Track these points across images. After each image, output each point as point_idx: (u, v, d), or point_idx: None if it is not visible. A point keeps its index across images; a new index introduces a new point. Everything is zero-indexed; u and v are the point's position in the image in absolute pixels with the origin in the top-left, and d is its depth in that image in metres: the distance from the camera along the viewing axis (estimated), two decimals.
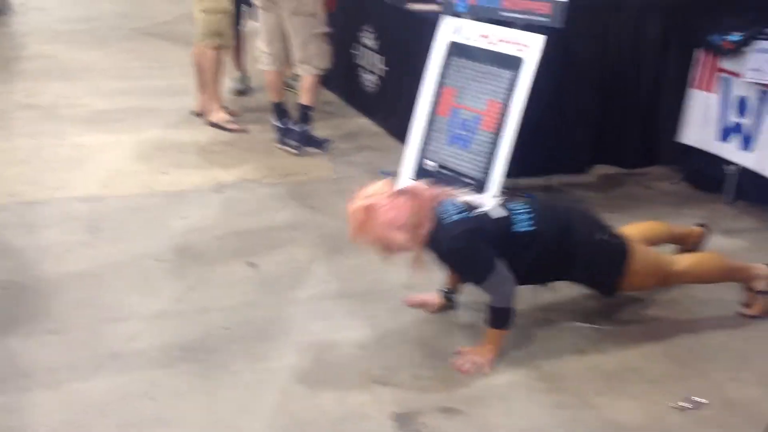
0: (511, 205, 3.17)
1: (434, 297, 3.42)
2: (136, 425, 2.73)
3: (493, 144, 4.08)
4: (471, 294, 3.38)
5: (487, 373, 3.00)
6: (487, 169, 4.09)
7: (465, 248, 3.00)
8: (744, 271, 3.37)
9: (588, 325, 3.31)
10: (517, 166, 4.11)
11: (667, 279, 3.32)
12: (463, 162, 4.21)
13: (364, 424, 2.73)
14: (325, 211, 4.48)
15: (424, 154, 4.41)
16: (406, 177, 4.46)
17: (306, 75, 5.34)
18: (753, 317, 3.34)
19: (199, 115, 6.10)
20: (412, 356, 3.11)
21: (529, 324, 3.30)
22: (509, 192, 4.12)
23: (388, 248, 3.02)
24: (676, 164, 4.97)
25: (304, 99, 5.38)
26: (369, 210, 2.94)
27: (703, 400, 2.82)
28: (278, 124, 5.49)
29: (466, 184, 4.14)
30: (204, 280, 3.70)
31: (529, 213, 3.11)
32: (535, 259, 3.07)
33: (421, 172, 4.39)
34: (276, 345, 3.19)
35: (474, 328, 3.24)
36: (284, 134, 5.46)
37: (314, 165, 5.24)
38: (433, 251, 3.05)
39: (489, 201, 3.13)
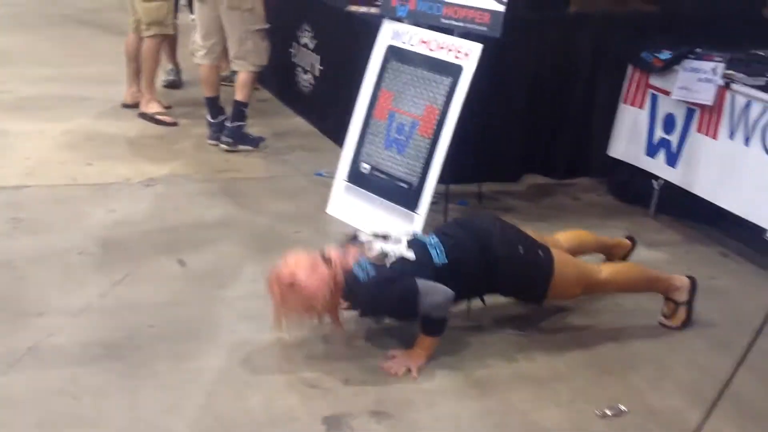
0: (423, 240, 3.19)
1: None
2: (55, 423, 2.64)
3: (429, 149, 4.10)
4: None
5: (416, 377, 3.00)
6: (421, 174, 4.10)
7: (383, 299, 3.02)
8: (666, 282, 3.46)
9: (517, 332, 3.34)
10: (451, 173, 4.14)
11: (592, 288, 3.39)
12: (399, 166, 4.21)
13: (292, 427, 2.70)
14: (257, 210, 4.43)
15: (359, 156, 4.39)
16: (340, 179, 4.44)
17: (241, 71, 5.27)
18: (674, 328, 3.43)
19: (130, 106, 5.97)
20: (342, 358, 3.10)
21: (460, 330, 3.31)
22: (442, 198, 4.14)
23: (308, 316, 3.07)
24: (604, 176, 5.08)
25: (239, 95, 5.30)
26: (292, 285, 2.95)
27: (625, 408, 2.88)
28: (211, 119, 5.40)
29: (399, 188, 4.16)
30: (130, 276, 3.61)
31: (441, 243, 3.14)
32: (461, 285, 3.10)
33: (356, 175, 4.38)
34: (203, 345, 3.14)
35: (405, 332, 3.24)
36: (217, 130, 5.38)
37: (247, 163, 5.17)
38: (358, 309, 3.12)
39: (400, 244, 3.15)
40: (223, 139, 5.32)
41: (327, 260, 3.01)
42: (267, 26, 5.23)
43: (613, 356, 3.24)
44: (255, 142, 5.38)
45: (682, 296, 3.45)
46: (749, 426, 2.80)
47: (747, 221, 3.94)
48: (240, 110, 5.31)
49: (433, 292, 3.00)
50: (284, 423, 2.72)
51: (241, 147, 5.32)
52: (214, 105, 5.40)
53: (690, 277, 3.47)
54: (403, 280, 3.01)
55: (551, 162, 5.22)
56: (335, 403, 2.83)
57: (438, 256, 3.11)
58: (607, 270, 3.41)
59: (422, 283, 2.99)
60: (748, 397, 2.89)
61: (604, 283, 3.37)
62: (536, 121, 5.07)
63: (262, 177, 4.97)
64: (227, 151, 5.28)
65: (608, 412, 2.85)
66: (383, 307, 3.09)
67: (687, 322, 3.44)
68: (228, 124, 5.34)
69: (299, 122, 6.07)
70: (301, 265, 2.99)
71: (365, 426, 2.72)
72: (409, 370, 3.02)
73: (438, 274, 3.07)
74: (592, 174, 5.19)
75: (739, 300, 3.69)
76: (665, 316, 3.47)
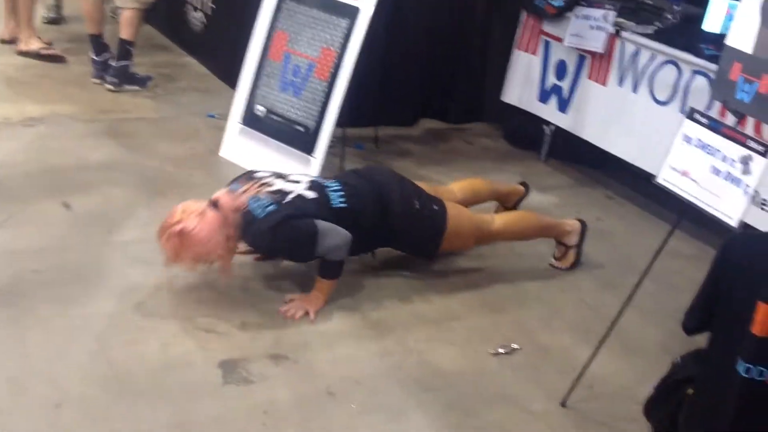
0: (324, 183, 3.16)
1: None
2: None
3: (326, 92, 4.04)
4: None
5: (314, 320, 2.99)
6: (318, 118, 4.04)
7: (282, 237, 2.96)
8: (557, 227, 3.56)
9: (412, 274, 3.37)
10: (348, 116, 4.09)
11: (485, 238, 3.44)
12: (295, 109, 4.14)
13: (187, 372, 2.65)
14: (146, 153, 4.28)
15: (254, 99, 4.29)
16: (234, 120, 4.33)
17: (126, 8, 5.03)
18: (564, 269, 3.54)
19: (8, 42, 5.62)
20: (238, 303, 3.05)
21: (357, 274, 3.32)
22: (339, 142, 4.10)
23: (205, 263, 3.00)
24: (498, 122, 5.15)
25: (124, 33, 5.06)
26: (181, 235, 2.87)
27: (517, 346, 2.96)
28: (95, 57, 5.15)
29: (296, 131, 4.10)
30: (12, 220, 3.43)
31: (341, 190, 3.12)
32: (356, 235, 3.08)
33: (251, 118, 4.28)
34: (92, 290, 3.03)
35: (302, 275, 3.22)
36: (101, 69, 5.14)
37: (135, 103, 4.98)
38: (256, 248, 3.08)
39: (299, 183, 3.11)
40: (108, 78, 5.09)
41: (215, 204, 2.94)
42: None
43: (506, 297, 3.32)
44: (142, 81, 5.17)
45: (572, 239, 3.55)
46: (633, 360, 2.93)
47: (633, 166, 4.08)
48: (125, 49, 5.07)
49: (332, 233, 2.99)
50: (179, 368, 2.67)
51: (127, 87, 5.11)
52: (97, 42, 5.14)
53: (579, 221, 3.58)
54: (301, 219, 2.97)
55: (447, 107, 5.26)
56: (231, 347, 2.80)
57: (337, 199, 3.09)
58: (499, 220, 3.46)
59: (321, 224, 2.97)
60: (633, 333, 3.02)
61: (497, 234, 3.43)
62: (433, 66, 5.07)
63: (151, 118, 4.79)
64: (112, 91, 5.06)
65: (501, 351, 2.93)
66: (281, 245, 3.04)
67: (576, 264, 3.55)
68: (113, 63, 5.10)
69: (190, 62, 5.87)
70: (188, 213, 2.90)
71: (262, 369, 2.70)
72: (306, 314, 3.01)
73: (336, 217, 3.05)
74: (487, 119, 5.26)
75: (625, 242, 3.85)
76: (556, 258, 3.57)
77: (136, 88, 5.13)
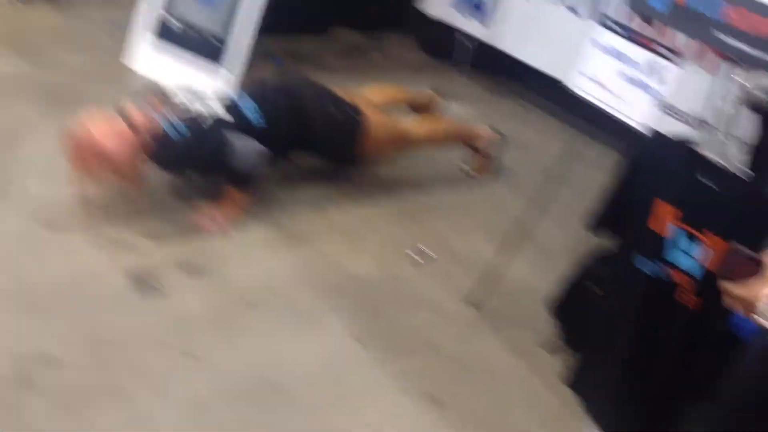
0: (239, 102, 3.08)
1: None
2: None
3: (237, 1, 3.90)
4: None
5: (227, 231, 2.96)
6: (230, 28, 3.92)
7: (197, 158, 2.92)
8: (472, 134, 3.58)
9: (329, 184, 3.35)
10: (261, 26, 3.97)
11: (404, 145, 3.44)
12: (206, 19, 3.99)
13: (95, 285, 2.60)
14: (50, 65, 4.09)
15: (165, 8, 4.11)
16: (141, 31, 4.16)
17: None
18: (476, 176, 3.57)
19: None
20: (148, 214, 2.99)
21: (273, 183, 3.28)
22: (258, 56, 3.99)
23: (114, 181, 2.92)
24: (415, 32, 5.09)
25: None
26: (92, 151, 2.77)
27: (432, 253, 3.00)
28: None
29: (210, 44, 3.97)
30: None
31: (258, 109, 3.06)
32: (277, 148, 3.05)
33: (161, 28, 4.11)
34: None
35: (216, 186, 3.16)
36: None
37: (38, 15, 4.72)
38: (167, 168, 2.99)
39: (214, 104, 3.03)
40: None
41: (130, 123, 2.84)
42: None
43: (422, 205, 3.34)
44: None
45: (487, 148, 3.58)
46: (544, 262, 3.00)
47: (547, 75, 4.10)
48: None
49: (246, 148, 2.93)
50: (87, 281, 2.61)
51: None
52: None
53: (494, 129, 3.60)
54: (217, 138, 2.92)
55: (363, 16, 5.15)
56: (141, 258, 2.75)
57: (254, 119, 3.03)
58: (417, 128, 3.45)
59: (237, 144, 2.92)
60: (543, 236, 3.07)
61: (416, 141, 3.42)
62: None
63: (54, 29, 4.56)
64: (17, 1, 4.77)
65: (417, 256, 2.96)
66: (195, 165, 2.99)
67: (490, 171, 3.59)
68: None
69: None
70: (102, 130, 2.81)
71: (174, 280, 2.67)
72: (221, 226, 2.97)
73: (254, 136, 2.99)
74: (404, 29, 5.18)
75: (538, 149, 3.90)
76: (471, 167, 3.60)
77: None
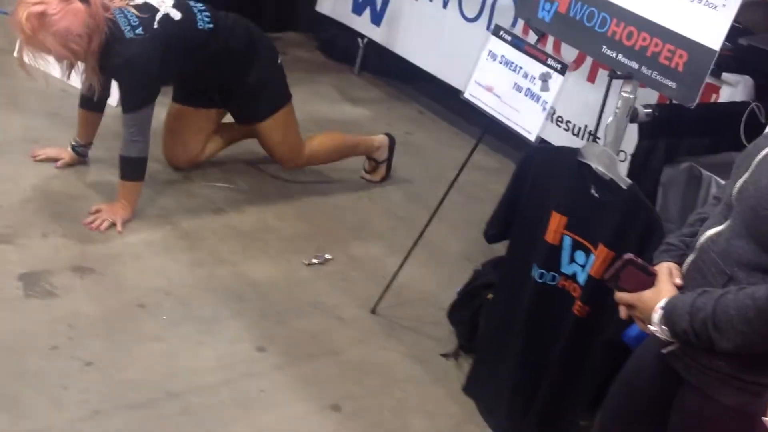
0: (190, 2, 3.03)
1: (64, 152, 3.19)
2: None
3: None
4: (105, 150, 3.22)
5: (121, 231, 2.90)
6: None
7: (140, 69, 2.83)
8: (366, 143, 3.59)
9: (225, 185, 3.33)
10: None
11: (300, 159, 3.38)
12: None
13: None
14: None
15: None
16: None
17: None
18: (375, 182, 3.62)
19: None
20: (40, 214, 2.89)
21: (166, 182, 3.24)
22: None
23: (59, 58, 2.79)
24: (313, 32, 5.10)
25: None
26: (41, 17, 2.65)
27: (330, 257, 3.03)
28: None
29: None
30: None
31: (207, 11, 3.02)
32: (211, 58, 3.00)
33: None
34: None
35: (108, 186, 3.08)
36: None
37: None
38: (104, 65, 2.84)
39: (165, 1, 2.95)
40: None
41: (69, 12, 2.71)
42: None
43: (319, 209, 3.36)
44: None
45: (382, 155, 3.62)
46: (439, 268, 3.07)
47: (442, 81, 4.19)
48: None
49: (144, 127, 2.89)
50: None
51: None
52: None
53: (388, 135, 3.65)
54: (154, 81, 2.90)
55: (259, 14, 5.10)
56: (33, 259, 2.66)
57: (202, 21, 2.98)
58: (311, 144, 3.41)
59: (150, 113, 2.90)
60: (438, 243, 3.14)
61: (311, 156, 3.40)
62: None
63: None
64: None
65: (315, 261, 2.99)
66: (124, 75, 2.86)
67: (386, 177, 3.65)
68: None
69: None
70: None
71: (67, 282, 2.60)
72: (113, 224, 2.91)
73: (201, 39, 2.97)
74: (301, 29, 5.18)
75: (434, 155, 3.97)
76: (367, 172, 3.64)
77: None
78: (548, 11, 2.58)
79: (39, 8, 2.65)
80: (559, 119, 3.62)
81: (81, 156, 3.22)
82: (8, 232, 2.76)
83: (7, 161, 3.15)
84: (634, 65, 2.22)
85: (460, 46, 4.04)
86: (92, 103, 3.08)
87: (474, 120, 2.85)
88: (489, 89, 2.71)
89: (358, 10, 4.65)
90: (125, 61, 2.81)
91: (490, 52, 2.70)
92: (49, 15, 2.66)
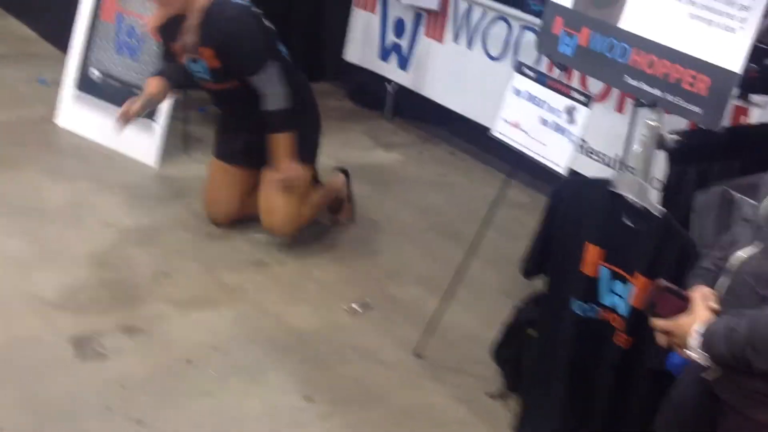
0: None
1: (153, 85, 3.16)
2: None
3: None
4: (147, 214, 3.30)
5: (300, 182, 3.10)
6: None
7: (251, 26, 2.97)
8: (330, 190, 3.53)
9: (264, 235, 3.38)
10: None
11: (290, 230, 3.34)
12: (132, 72, 4.01)
13: (37, 350, 2.58)
14: None
15: (88, 62, 4.11)
16: (68, 86, 4.14)
17: None
18: (343, 221, 3.57)
19: None
20: (88, 278, 2.97)
21: (207, 237, 3.31)
22: (181, 105, 4.01)
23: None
24: (341, 81, 5.19)
25: None
26: None
27: (370, 301, 3.05)
28: None
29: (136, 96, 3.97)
30: None
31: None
32: (275, 77, 3.07)
33: (86, 82, 4.11)
34: None
35: (152, 251, 3.16)
36: None
37: None
38: (208, 31, 2.95)
39: None
40: None
41: None
42: None
43: (357, 253, 3.40)
44: None
45: (343, 193, 3.59)
46: (479, 306, 3.08)
47: (472, 121, 4.23)
48: None
49: (279, 77, 3.02)
50: (28, 346, 2.59)
51: None
52: None
53: (341, 171, 3.62)
54: (265, 38, 3.05)
55: None
56: (83, 322, 2.73)
57: (281, 46, 3.19)
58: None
59: (273, 64, 3.02)
60: (477, 281, 3.16)
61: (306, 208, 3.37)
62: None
63: None
64: None
65: (355, 306, 3.01)
66: (236, 36, 2.96)
67: (353, 211, 3.62)
68: None
69: (12, 23, 5.51)
70: None
71: (117, 342, 2.66)
72: (295, 179, 3.10)
73: (275, 51, 3.13)
74: (330, 78, 5.27)
75: (467, 194, 4.00)
76: (334, 214, 3.57)
77: None
78: (569, 45, 2.62)
79: None
80: (590, 150, 3.63)
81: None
82: (58, 297, 2.84)
83: (53, 228, 3.25)
84: (658, 93, 2.24)
85: (487, 85, 4.08)
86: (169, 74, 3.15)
87: (505, 156, 2.86)
88: (516, 125, 2.74)
89: (384, 56, 4.73)
90: (234, 17, 2.95)
91: (515, 88, 2.74)
92: None
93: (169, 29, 3.03)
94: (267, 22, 3.14)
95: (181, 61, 3.11)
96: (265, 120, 3.06)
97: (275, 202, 3.24)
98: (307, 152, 3.30)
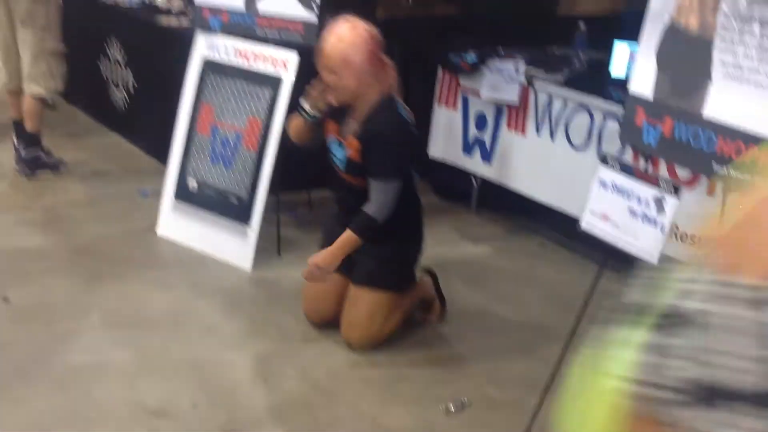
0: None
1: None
2: None
3: (256, 162, 4.10)
4: (244, 319, 3.38)
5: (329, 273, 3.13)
6: (251, 188, 4.10)
7: (402, 141, 3.13)
8: (418, 297, 3.51)
9: None
10: (280, 183, 4.16)
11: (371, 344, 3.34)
12: (227, 180, 4.19)
13: None
14: (81, 237, 4.26)
15: (185, 173, 4.32)
16: (167, 196, 4.35)
17: (31, 96, 4.90)
18: (437, 320, 3.56)
19: None
20: (188, 385, 3.05)
21: (302, 341, 3.36)
22: (273, 210, 4.15)
23: (344, 79, 3.05)
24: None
25: (29, 126, 4.94)
26: (367, 33, 3.03)
27: (467, 401, 3.03)
28: (18, 145, 5.08)
29: (231, 203, 4.14)
30: None
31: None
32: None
33: (184, 191, 4.31)
34: (35, 382, 2.99)
35: (247, 349, 3.23)
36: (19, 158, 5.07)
37: (63, 188, 4.93)
38: (367, 125, 3.09)
39: None
40: (19, 168, 4.99)
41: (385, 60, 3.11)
42: (63, 48, 4.99)
43: (451, 351, 3.39)
44: (54, 166, 5.06)
45: (431, 294, 3.58)
46: None
47: (560, 212, 4.21)
48: (32, 137, 4.97)
49: (395, 197, 3.11)
50: None
51: (39, 173, 5.01)
52: (20, 129, 5.08)
53: (428, 271, 3.61)
54: (408, 158, 3.22)
55: None
56: (185, 429, 2.80)
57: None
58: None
59: (400, 184, 3.12)
60: None
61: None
62: None
63: (81, 201, 4.76)
64: (28, 178, 4.98)
65: (452, 407, 2.99)
66: (384, 140, 3.09)
67: (444, 311, 3.59)
68: (23, 151, 4.99)
69: (116, 140, 5.85)
70: (368, 30, 3.07)
71: None
72: (324, 273, 3.14)
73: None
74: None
75: (559, 286, 3.96)
76: (424, 312, 3.57)
77: (50, 173, 5.05)
78: (653, 136, 2.63)
79: (369, 29, 3.05)
80: (684, 236, 3.57)
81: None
82: (160, 404, 2.92)
83: (156, 336, 3.36)
84: (748, 178, 2.22)
85: (572, 175, 4.09)
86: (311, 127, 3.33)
87: (597, 245, 2.84)
88: (605, 217, 2.74)
89: (468, 151, 4.81)
90: (394, 126, 3.11)
91: (601, 180, 2.75)
92: (373, 37, 3.04)
93: (332, 107, 3.22)
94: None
95: (325, 136, 3.28)
96: (356, 216, 3.13)
97: (358, 317, 3.28)
98: (406, 272, 3.36)
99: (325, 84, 3.13)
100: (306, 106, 3.28)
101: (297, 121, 3.37)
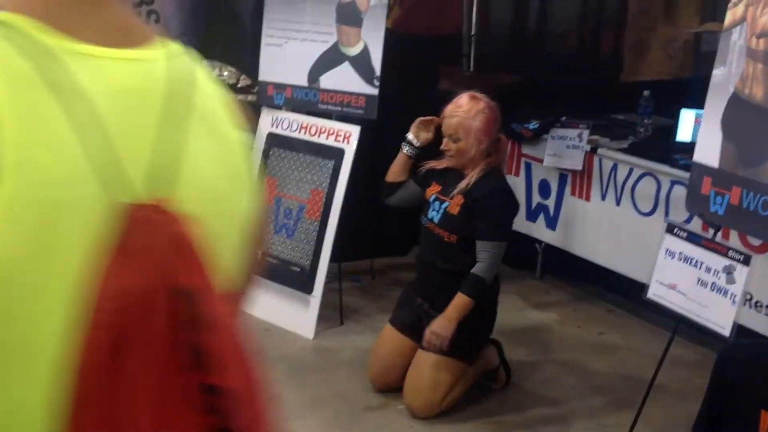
0: None
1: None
2: None
3: (318, 231, 4.14)
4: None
5: (446, 348, 3.10)
6: (313, 257, 4.13)
7: (510, 205, 3.31)
8: (482, 367, 3.47)
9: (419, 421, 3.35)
10: (342, 251, 4.18)
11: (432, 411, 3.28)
12: (289, 250, 4.23)
13: None
14: None
15: None
16: None
17: None
18: (502, 386, 3.52)
19: None
20: None
21: (364, 409, 3.33)
22: (336, 278, 4.17)
23: (464, 145, 3.26)
24: None
25: None
26: (490, 107, 3.31)
27: None
28: None
29: (293, 272, 4.17)
30: None
31: None
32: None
33: None
34: None
35: (306, 419, 3.21)
36: None
37: None
38: (476, 188, 3.22)
39: None
40: None
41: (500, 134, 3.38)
42: None
43: (514, 422, 3.30)
44: None
45: (495, 364, 3.52)
46: None
47: (627, 277, 4.13)
48: None
49: (500, 258, 3.23)
50: None
51: None
52: None
53: (494, 342, 3.54)
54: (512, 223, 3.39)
55: None
56: None
57: None
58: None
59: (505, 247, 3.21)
60: None
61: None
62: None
63: None
64: None
65: None
66: (495, 202, 3.23)
67: (509, 380, 3.54)
68: None
69: None
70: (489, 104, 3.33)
71: None
72: (442, 341, 3.12)
73: None
74: None
75: (629, 354, 3.86)
76: (488, 380, 3.53)
77: None
78: (720, 205, 2.57)
79: (490, 103, 3.32)
80: (758, 304, 3.45)
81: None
82: None
83: None
84: None
85: (638, 241, 4.01)
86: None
87: (667, 312, 2.76)
88: (673, 287, 2.67)
89: (532, 217, 4.77)
90: (503, 191, 3.29)
91: (668, 250, 2.70)
92: (492, 110, 3.31)
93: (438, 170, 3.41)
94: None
95: (426, 196, 3.40)
96: (465, 279, 3.16)
97: (423, 382, 3.25)
98: (477, 340, 3.33)
99: (445, 150, 3.33)
100: (410, 136, 3.55)
101: (398, 157, 3.59)
